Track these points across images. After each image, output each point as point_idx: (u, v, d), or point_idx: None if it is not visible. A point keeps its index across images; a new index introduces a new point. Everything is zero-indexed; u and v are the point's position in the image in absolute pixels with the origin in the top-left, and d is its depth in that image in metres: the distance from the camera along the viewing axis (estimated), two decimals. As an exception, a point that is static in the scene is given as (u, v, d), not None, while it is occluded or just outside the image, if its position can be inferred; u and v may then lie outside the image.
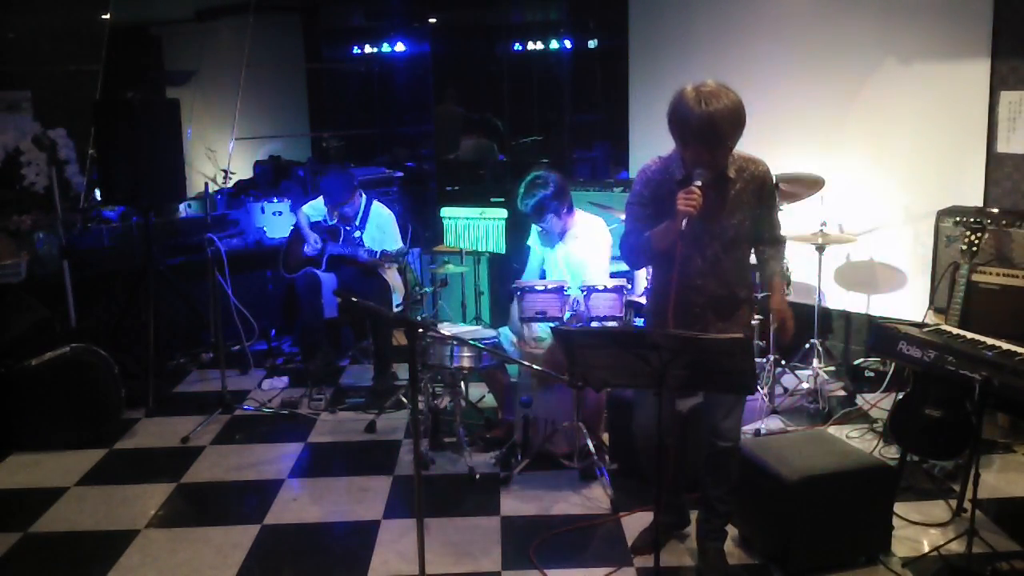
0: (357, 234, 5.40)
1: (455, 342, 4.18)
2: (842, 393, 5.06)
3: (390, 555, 3.55)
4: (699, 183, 2.89)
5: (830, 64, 5.31)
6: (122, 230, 5.95)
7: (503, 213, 5.88)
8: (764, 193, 3.11)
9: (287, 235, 5.79)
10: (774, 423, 4.66)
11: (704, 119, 2.83)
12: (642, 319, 4.75)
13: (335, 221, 5.46)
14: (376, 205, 5.50)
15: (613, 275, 4.47)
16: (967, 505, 3.52)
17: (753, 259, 3.34)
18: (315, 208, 5.58)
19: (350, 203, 5.33)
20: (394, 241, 5.36)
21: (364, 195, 5.48)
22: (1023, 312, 4.11)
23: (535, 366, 3.80)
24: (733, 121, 2.87)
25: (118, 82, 6.79)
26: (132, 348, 5.43)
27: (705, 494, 3.35)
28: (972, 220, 4.26)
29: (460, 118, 9.19)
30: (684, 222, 2.87)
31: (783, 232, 3.35)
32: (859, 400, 4.97)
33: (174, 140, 5.43)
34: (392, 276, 5.48)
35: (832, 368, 5.32)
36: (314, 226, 5.52)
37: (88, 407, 4.69)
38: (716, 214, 3.05)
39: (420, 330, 3.35)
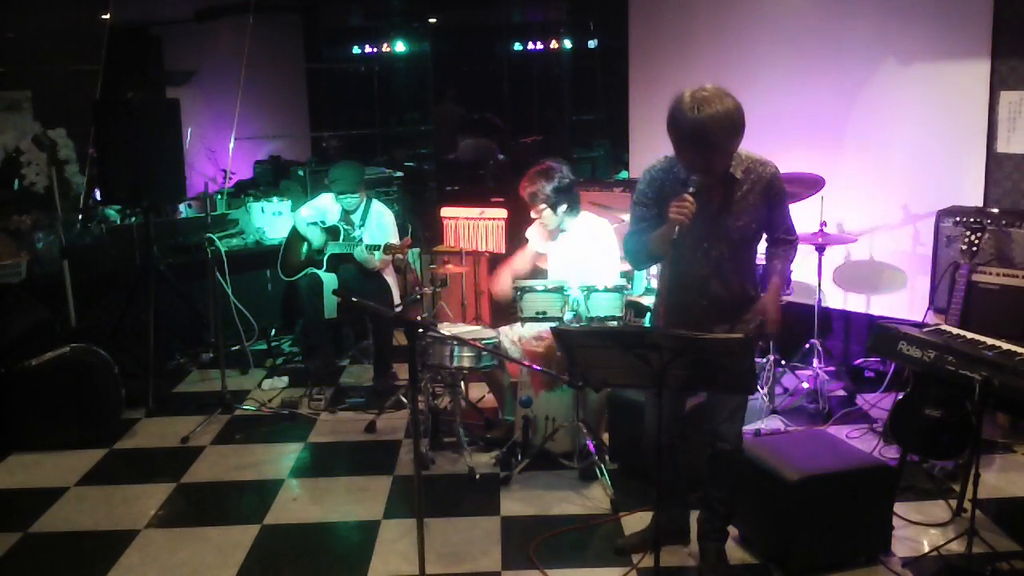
0: (357, 232, 5.40)
1: (455, 342, 4.18)
2: (842, 393, 5.06)
3: (390, 555, 3.55)
4: (692, 190, 2.86)
5: (830, 64, 5.31)
6: (122, 230, 5.95)
7: (503, 213, 5.88)
8: (772, 194, 3.06)
9: (286, 236, 5.79)
10: (774, 423, 4.65)
11: (696, 125, 2.78)
12: (642, 317, 4.76)
13: (336, 221, 5.47)
14: (376, 204, 5.52)
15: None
16: (967, 505, 3.51)
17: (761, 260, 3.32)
18: (313, 208, 5.58)
19: (355, 196, 5.36)
20: (392, 239, 5.36)
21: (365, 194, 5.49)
22: (1023, 312, 4.11)
23: (535, 366, 3.80)
24: (727, 127, 2.81)
25: (118, 82, 6.78)
26: (132, 348, 5.42)
27: (707, 494, 3.36)
28: (972, 220, 4.26)
29: (459, 117, 9.20)
30: (676, 231, 2.85)
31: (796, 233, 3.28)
32: (859, 400, 4.97)
33: (174, 140, 5.42)
34: (390, 276, 5.48)
35: (832, 368, 5.31)
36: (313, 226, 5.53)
37: (88, 407, 4.68)
38: (722, 215, 3.03)
39: (420, 330, 3.35)
